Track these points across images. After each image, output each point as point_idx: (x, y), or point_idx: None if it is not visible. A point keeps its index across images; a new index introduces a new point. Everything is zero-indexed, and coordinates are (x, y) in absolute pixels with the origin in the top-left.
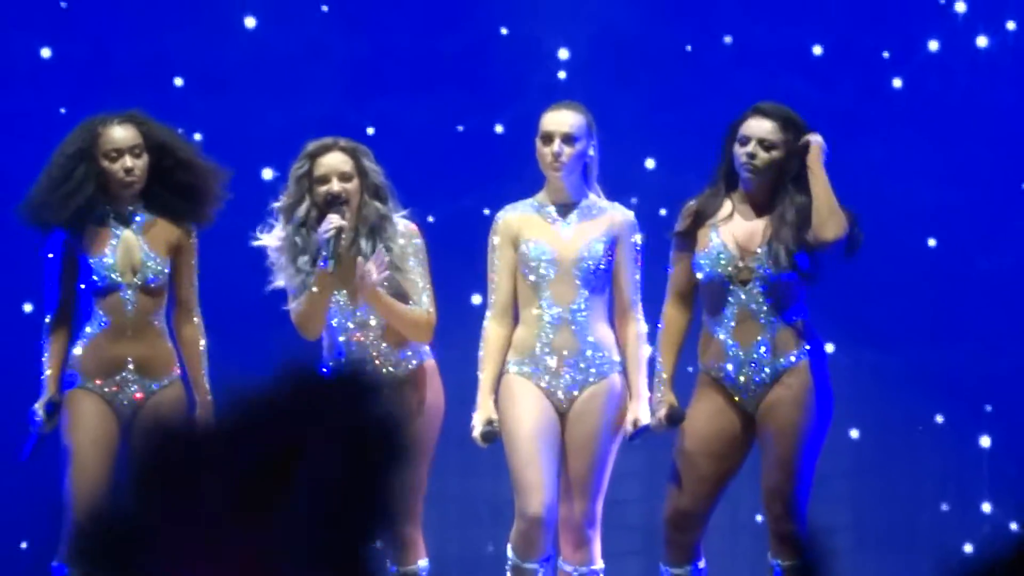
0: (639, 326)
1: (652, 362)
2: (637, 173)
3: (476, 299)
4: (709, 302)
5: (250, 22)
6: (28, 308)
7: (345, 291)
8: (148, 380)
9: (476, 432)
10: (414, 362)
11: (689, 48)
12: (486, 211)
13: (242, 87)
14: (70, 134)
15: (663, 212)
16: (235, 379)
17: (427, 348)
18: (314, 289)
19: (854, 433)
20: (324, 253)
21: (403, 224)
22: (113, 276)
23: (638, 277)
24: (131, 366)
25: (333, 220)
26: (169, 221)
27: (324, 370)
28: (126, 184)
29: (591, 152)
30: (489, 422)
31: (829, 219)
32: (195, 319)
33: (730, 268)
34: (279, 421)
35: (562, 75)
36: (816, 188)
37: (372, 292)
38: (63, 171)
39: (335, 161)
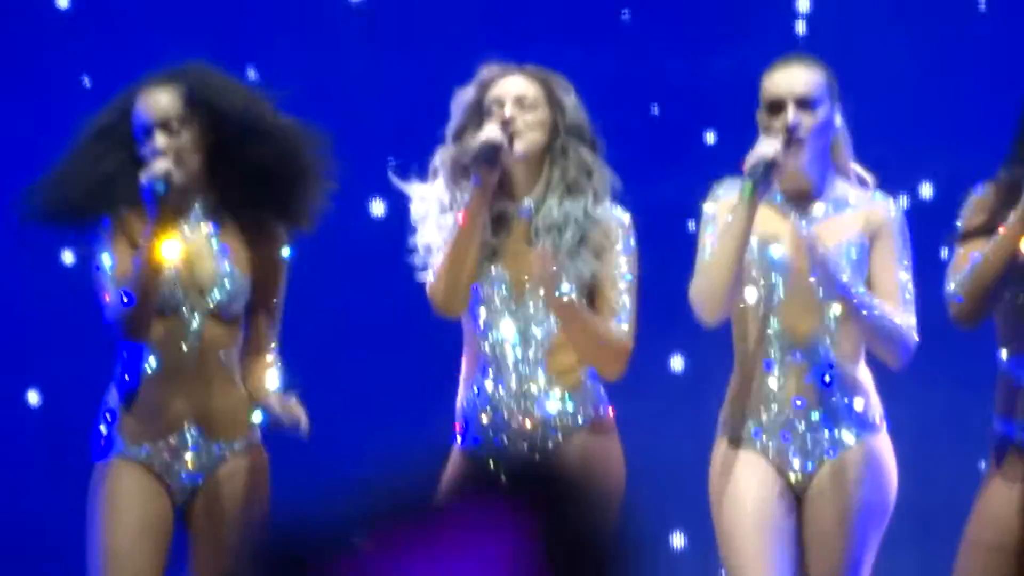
0: (913, 330)
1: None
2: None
3: (677, 363)
4: (1010, 332)
5: None
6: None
7: (508, 279)
8: (215, 443)
9: None
10: (590, 413)
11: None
12: (691, 225)
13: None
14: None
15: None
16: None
17: (603, 393)
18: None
19: None
20: (474, 163)
21: (616, 211)
22: (173, 294)
23: (910, 286)
24: (192, 424)
25: (490, 131)
26: (249, 226)
27: (460, 431)
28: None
29: (838, 122)
30: None
31: None
32: (270, 363)
33: None
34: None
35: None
36: None
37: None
38: (81, 156)
39: (513, 84)
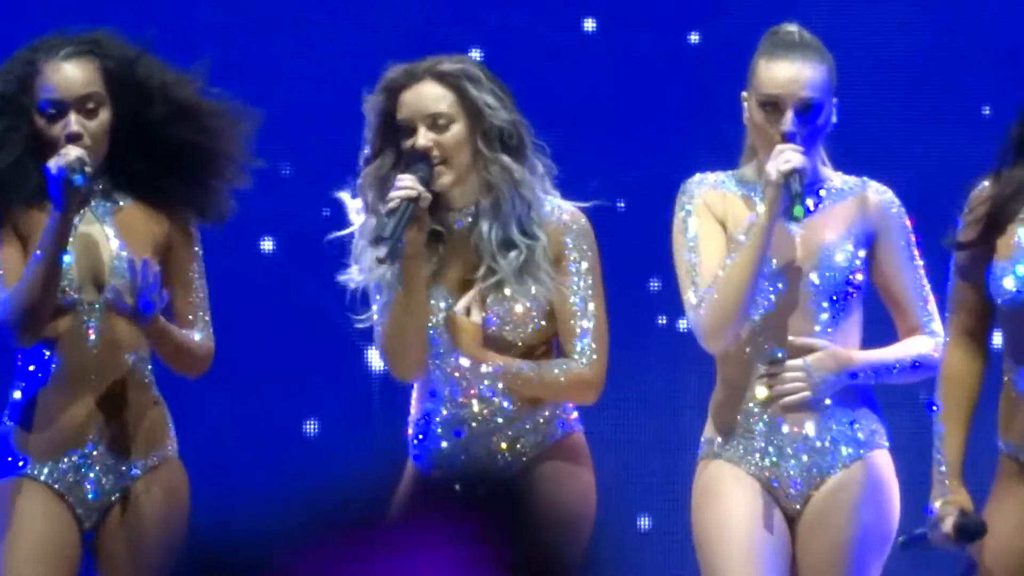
0: (938, 347)
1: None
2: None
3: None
4: (1016, 343)
5: None
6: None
7: (452, 300)
8: (125, 458)
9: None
10: (557, 433)
11: None
12: (620, 204)
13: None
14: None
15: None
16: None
17: (574, 412)
18: (397, 292)
19: None
20: (383, 237)
21: (567, 213)
22: (66, 289)
23: (925, 282)
24: (98, 437)
25: (401, 184)
26: (147, 200)
27: (415, 453)
28: None
29: (834, 117)
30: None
31: None
32: (206, 341)
33: None
34: None
35: None
36: None
37: (474, 347)
38: None
39: (423, 97)
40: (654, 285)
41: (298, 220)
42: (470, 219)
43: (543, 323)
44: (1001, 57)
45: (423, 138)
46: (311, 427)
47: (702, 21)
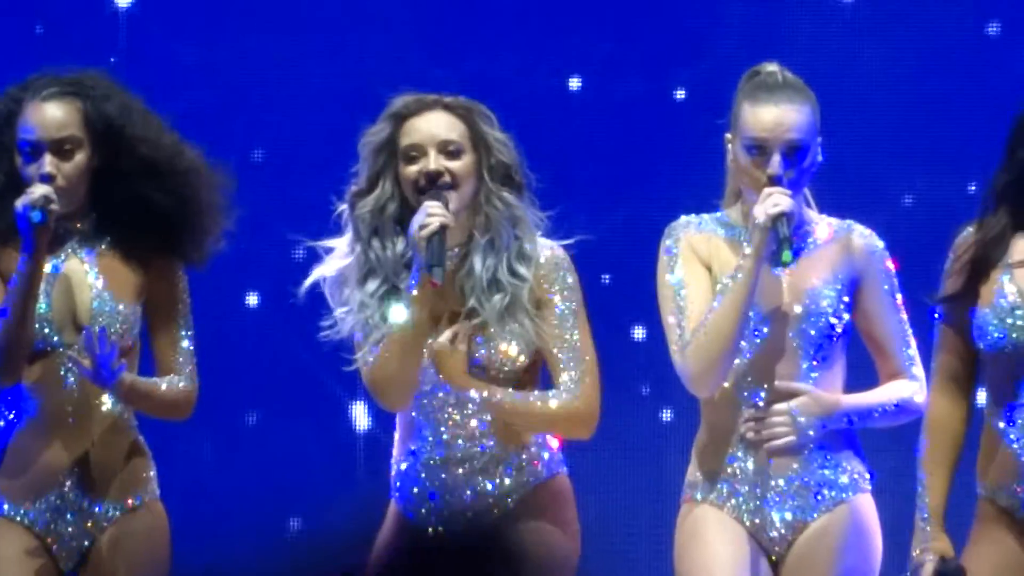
0: (919, 391)
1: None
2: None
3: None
4: (997, 387)
5: None
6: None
7: (431, 335)
8: (102, 502)
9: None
10: (542, 474)
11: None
12: (605, 277)
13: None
14: None
15: None
16: None
17: (559, 453)
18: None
19: None
20: (426, 261)
21: (548, 249)
22: (44, 331)
23: (907, 326)
24: (73, 479)
25: (432, 210)
26: (133, 248)
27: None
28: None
29: (819, 156)
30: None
31: None
32: (185, 384)
33: None
34: None
35: None
36: None
37: (460, 375)
38: None
39: (435, 124)
40: (638, 333)
41: (283, 275)
42: (455, 260)
43: (527, 360)
44: (983, 99)
45: (434, 162)
46: (295, 519)
47: (688, 74)
